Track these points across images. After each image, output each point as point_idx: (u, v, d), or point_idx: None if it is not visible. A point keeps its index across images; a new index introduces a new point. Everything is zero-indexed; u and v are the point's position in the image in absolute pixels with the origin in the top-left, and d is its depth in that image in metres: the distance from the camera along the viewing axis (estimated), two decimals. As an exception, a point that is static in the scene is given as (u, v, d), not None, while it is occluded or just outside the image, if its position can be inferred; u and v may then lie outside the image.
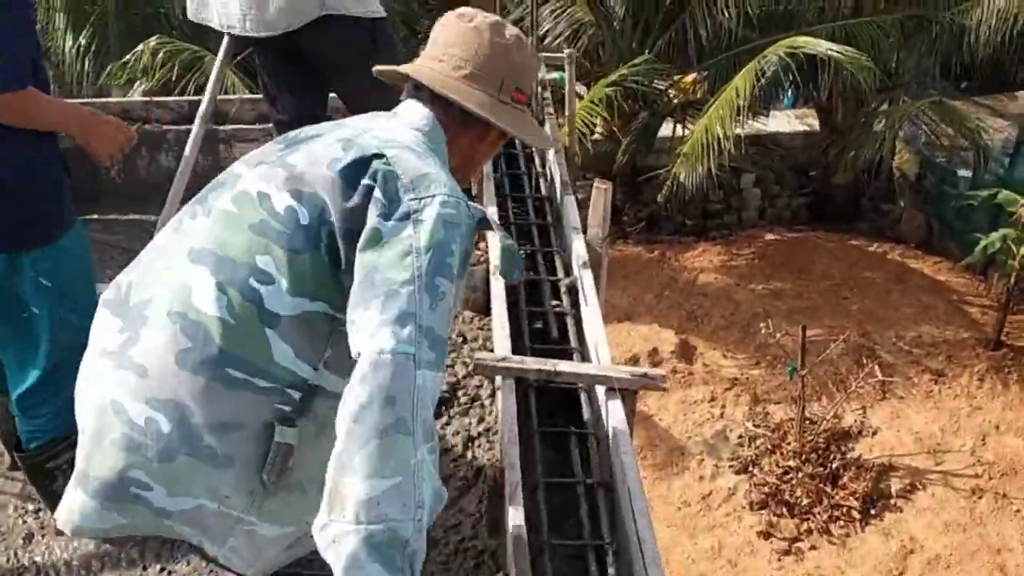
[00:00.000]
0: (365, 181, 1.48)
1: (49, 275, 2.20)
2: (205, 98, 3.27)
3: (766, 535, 7.21)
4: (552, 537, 2.15)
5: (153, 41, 8.21)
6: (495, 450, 2.74)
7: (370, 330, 1.36)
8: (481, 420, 2.87)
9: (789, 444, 7.76)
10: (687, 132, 9.94)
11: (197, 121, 3.21)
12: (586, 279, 2.89)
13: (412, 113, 1.68)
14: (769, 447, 7.85)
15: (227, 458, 1.48)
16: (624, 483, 2.18)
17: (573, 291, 2.92)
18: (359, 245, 1.44)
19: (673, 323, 9.20)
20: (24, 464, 2.41)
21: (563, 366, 2.46)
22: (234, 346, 1.46)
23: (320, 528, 1.32)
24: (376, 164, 1.50)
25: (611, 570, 2.08)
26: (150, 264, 1.60)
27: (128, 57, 8.36)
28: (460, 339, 3.21)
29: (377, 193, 1.46)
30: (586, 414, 2.55)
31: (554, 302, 2.97)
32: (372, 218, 1.45)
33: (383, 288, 1.39)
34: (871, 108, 10.36)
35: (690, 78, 10.85)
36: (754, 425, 8.12)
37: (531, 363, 2.44)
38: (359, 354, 1.36)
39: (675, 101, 10.67)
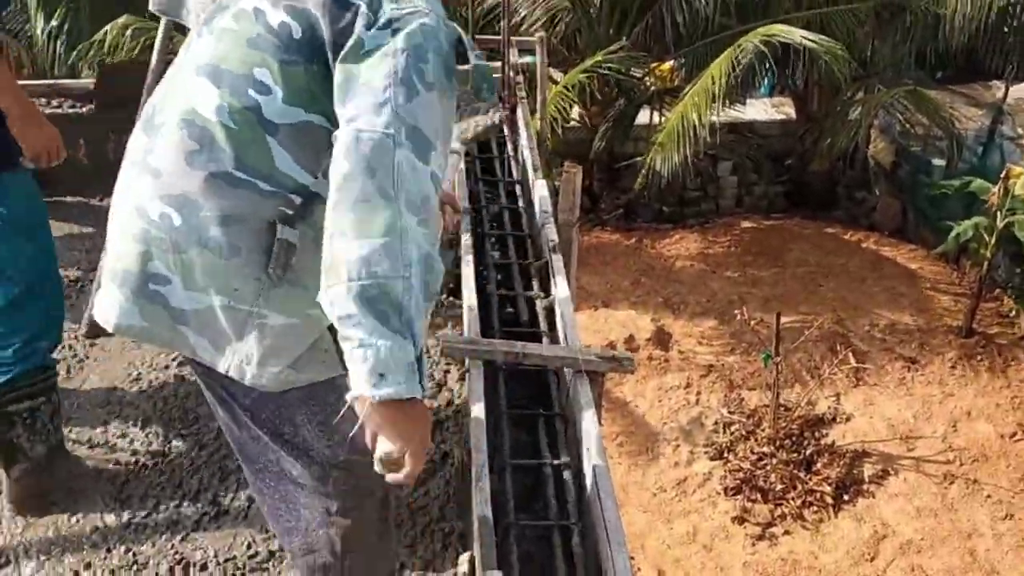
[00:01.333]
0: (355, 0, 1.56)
1: (3, 201, 2.26)
2: (149, 76, 3.33)
3: (740, 520, 7.26)
4: (519, 518, 2.15)
5: (122, 19, 8.15)
6: (463, 433, 2.73)
7: (349, 116, 1.47)
8: (449, 403, 2.86)
9: (763, 430, 7.81)
10: (664, 119, 9.94)
11: (144, 95, 3.19)
12: (556, 263, 2.88)
13: None
14: (744, 433, 7.89)
15: (233, 248, 1.60)
16: (591, 464, 2.19)
17: (544, 275, 2.92)
18: (341, 55, 1.52)
19: (650, 310, 9.22)
20: None
21: (531, 348, 2.46)
22: (238, 150, 1.59)
23: (323, 299, 1.42)
24: None
25: (577, 550, 2.09)
26: (168, 83, 1.73)
27: (98, 36, 8.28)
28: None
29: (363, 8, 1.54)
30: (555, 397, 2.55)
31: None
32: (357, 29, 1.53)
33: (361, 86, 1.48)
34: (847, 96, 10.40)
35: (667, 65, 10.85)
36: (729, 411, 8.16)
37: (499, 345, 2.44)
38: (342, 135, 1.46)
39: (652, 88, 10.67)
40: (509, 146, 3.72)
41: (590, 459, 2.19)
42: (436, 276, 1.46)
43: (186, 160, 1.61)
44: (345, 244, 1.40)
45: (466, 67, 1.63)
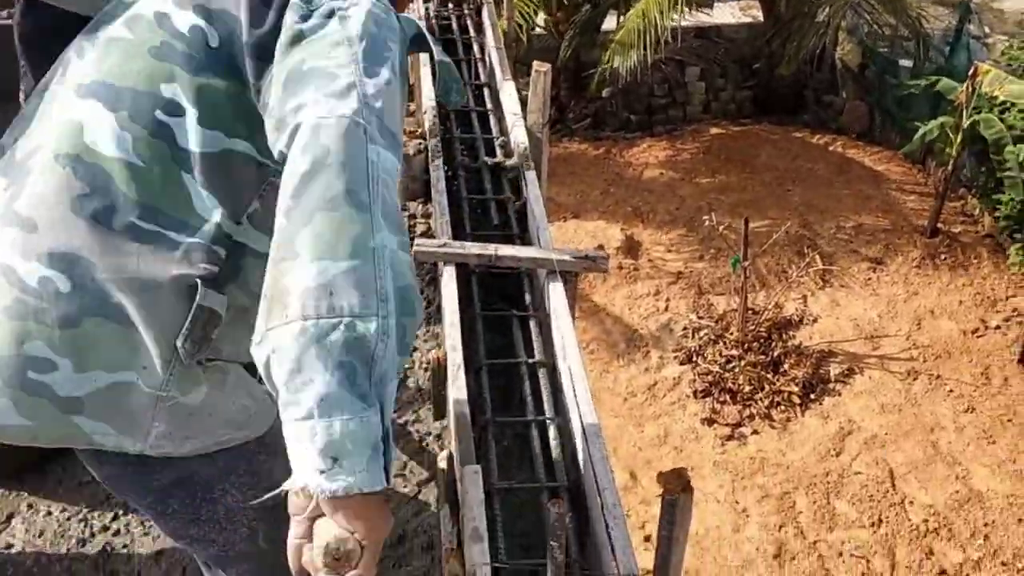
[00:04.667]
0: None
1: None
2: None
3: (710, 422, 7.42)
4: (495, 416, 2.17)
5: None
6: (438, 339, 2.74)
7: (300, 104, 1.13)
8: (427, 306, 2.86)
9: (732, 334, 7.92)
10: (625, 19, 9.78)
11: None
12: (526, 165, 2.85)
13: None
14: (712, 337, 8.01)
15: (142, 319, 1.25)
16: (565, 361, 2.20)
17: (514, 178, 2.89)
18: (277, 54, 1.20)
19: (619, 219, 9.23)
20: None
21: (504, 250, 2.45)
22: (143, 193, 1.25)
23: (257, 344, 1.04)
24: None
25: (553, 443, 2.12)
26: (34, 114, 1.35)
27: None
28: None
29: (294, 1, 1.22)
30: (528, 298, 2.55)
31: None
32: (289, 25, 1.20)
33: (315, 74, 1.15)
34: (815, -3, 10.28)
35: (633, -32, 10.62)
36: (698, 317, 8.26)
37: (472, 248, 2.43)
38: (294, 128, 1.11)
39: (618, -8, 10.46)
40: (476, 48, 3.64)
41: (565, 356, 2.20)
42: (416, 320, 1.09)
43: (71, 207, 1.25)
44: (298, 268, 1.02)
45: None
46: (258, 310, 1.06)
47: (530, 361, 2.34)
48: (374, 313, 1.02)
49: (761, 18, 11.35)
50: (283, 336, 1.01)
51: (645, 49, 8.53)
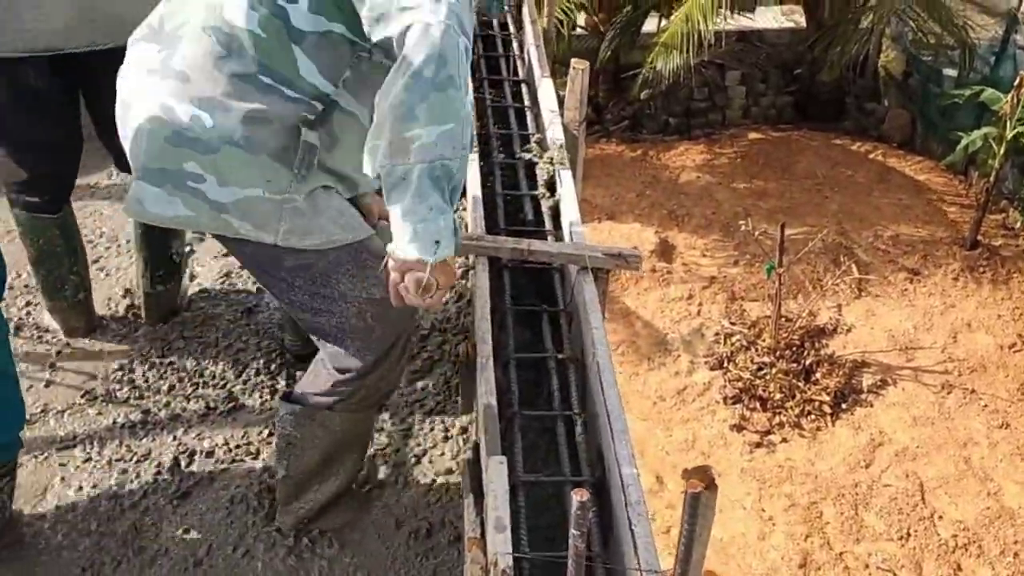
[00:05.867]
0: None
1: None
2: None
3: (739, 428, 7.37)
4: (522, 409, 2.18)
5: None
6: (467, 333, 2.74)
7: (408, 8, 1.56)
8: (457, 299, 2.88)
9: (764, 341, 7.86)
10: (669, 23, 9.74)
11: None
12: (562, 162, 2.86)
13: None
14: (744, 344, 7.95)
15: (260, 146, 1.75)
16: (594, 358, 2.20)
17: (549, 176, 2.89)
18: None
19: (654, 222, 9.19)
20: None
21: (537, 245, 2.45)
22: (264, 57, 1.72)
23: (387, 172, 1.58)
24: None
25: (579, 439, 2.12)
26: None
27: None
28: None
29: None
30: (559, 295, 2.56)
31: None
32: None
33: None
34: (859, 4, 10.16)
35: (677, -29, 10.57)
36: (730, 322, 8.20)
37: (505, 242, 2.43)
38: (405, 28, 1.56)
39: (660, -6, 10.42)
40: (515, 44, 3.65)
41: (594, 352, 2.20)
42: (469, 152, 1.69)
43: (215, 65, 1.72)
44: (417, 128, 1.55)
45: None
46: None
47: (559, 356, 2.34)
48: (460, 156, 1.59)
49: (803, 24, 11.25)
50: (406, 170, 1.56)
51: (687, 52, 8.48)
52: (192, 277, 2.99)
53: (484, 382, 2.09)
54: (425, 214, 1.60)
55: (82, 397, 2.52)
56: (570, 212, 2.66)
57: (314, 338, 2.06)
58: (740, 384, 7.64)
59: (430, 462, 2.39)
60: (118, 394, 2.54)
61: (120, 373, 2.61)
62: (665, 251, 8.85)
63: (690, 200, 9.55)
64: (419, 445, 2.43)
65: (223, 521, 2.24)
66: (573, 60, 2.97)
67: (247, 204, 1.80)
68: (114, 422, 2.46)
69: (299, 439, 2.09)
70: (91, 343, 2.75)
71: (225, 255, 3.06)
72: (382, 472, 2.37)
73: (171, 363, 2.65)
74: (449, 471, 2.37)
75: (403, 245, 1.64)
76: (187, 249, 2.84)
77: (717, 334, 8.12)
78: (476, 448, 2.08)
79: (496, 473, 1.84)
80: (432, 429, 2.47)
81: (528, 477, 2.00)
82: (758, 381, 7.61)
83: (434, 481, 2.35)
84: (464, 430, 2.44)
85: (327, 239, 1.88)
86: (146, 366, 2.63)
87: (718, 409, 7.54)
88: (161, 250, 2.69)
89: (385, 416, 2.50)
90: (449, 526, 2.25)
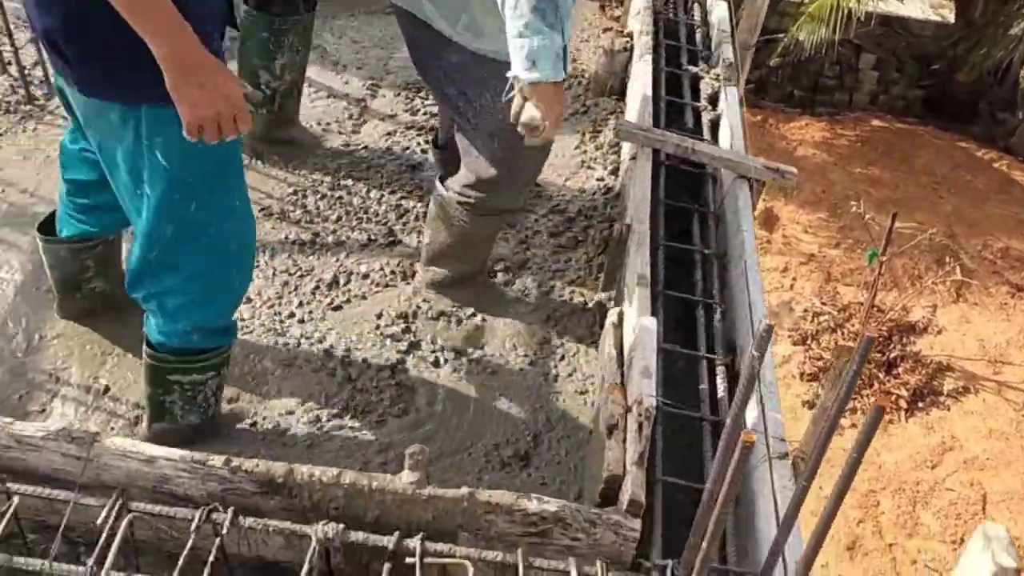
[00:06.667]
0: None
1: (165, 151, 1.72)
2: None
3: (811, 405, 7.38)
4: (667, 289, 2.30)
5: None
6: (606, 218, 2.86)
7: None
8: (606, 192, 3.00)
9: (852, 326, 7.82)
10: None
11: None
12: (728, 79, 2.93)
13: None
14: (832, 325, 7.92)
15: None
16: (741, 258, 2.31)
17: (714, 90, 2.96)
18: None
19: (760, 189, 9.13)
20: (145, 362, 2.03)
21: (701, 146, 2.55)
22: None
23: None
24: None
25: (717, 325, 2.23)
26: None
27: None
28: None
29: None
30: (709, 197, 2.66)
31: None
32: None
33: None
34: (1015, 8, 9.81)
35: (829, -59, 10.32)
36: (821, 302, 8.16)
37: (671, 137, 2.53)
38: None
39: (814, -38, 10.19)
40: (689, -35, 3.71)
41: (742, 252, 2.31)
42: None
43: None
44: None
45: None
46: None
47: (706, 251, 2.45)
48: None
49: (952, 19, 10.90)
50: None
51: (832, 27, 8.32)
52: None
53: (640, 254, 2.21)
54: (521, 30, 1.80)
55: (259, 212, 2.72)
56: (733, 127, 2.74)
57: (458, 140, 2.34)
58: (820, 363, 7.63)
59: (564, 328, 2.54)
60: (291, 215, 2.73)
61: (294, 197, 2.80)
62: (768, 220, 8.81)
63: (802, 175, 9.41)
64: (556, 311, 2.58)
65: (371, 332, 2.44)
66: (755, -16, 3.03)
67: None
68: (285, 238, 2.65)
69: (443, 218, 2.41)
70: (266, 167, 2.94)
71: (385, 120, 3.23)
72: (523, 332, 2.52)
73: (339, 197, 2.83)
74: (579, 339, 2.51)
75: (518, 68, 1.85)
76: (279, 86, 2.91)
77: (806, 310, 8.10)
78: (620, 314, 2.20)
79: (646, 334, 1.97)
80: (572, 299, 2.61)
81: (666, 345, 2.13)
82: (839, 364, 7.59)
83: (563, 344, 2.49)
84: (601, 304, 2.57)
85: (490, 48, 2.10)
86: (317, 196, 2.82)
87: (794, 384, 7.55)
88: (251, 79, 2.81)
89: (528, 280, 2.65)
90: (575, 373, 2.41)
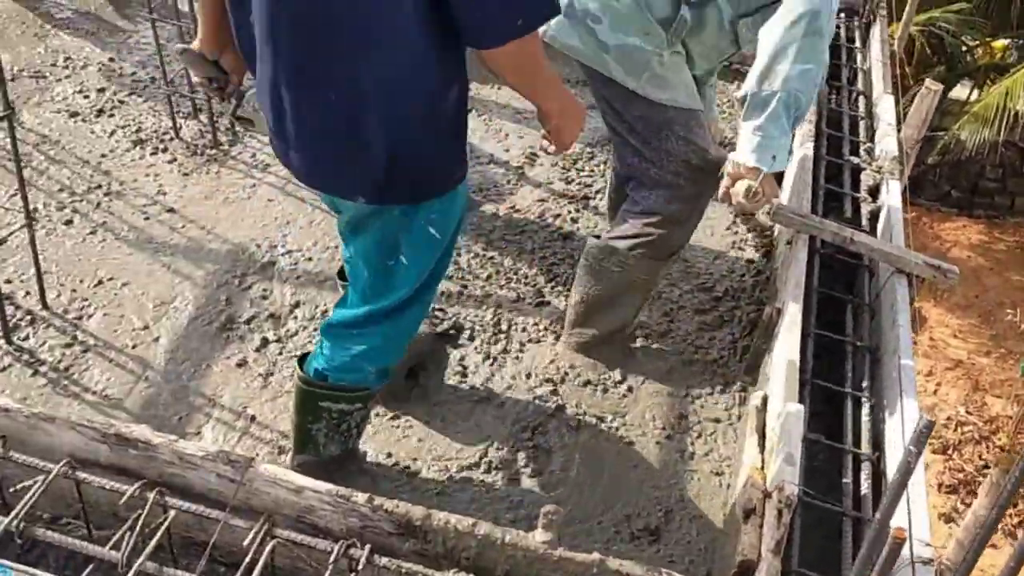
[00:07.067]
0: None
1: (440, 226, 1.89)
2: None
3: (948, 519, 7.00)
4: (814, 378, 2.25)
5: None
6: (754, 301, 2.84)
7: None
8: (756, 274, 2.98)
9: (999, 440, 7.40)
10: (983, 94, 9.25)
11: None
12: (892, 172, 2.88)
13: None
14: (977, 437, 7.53)
15: (652, 7, 2.27)
16: (895, 352, 2.24)
17: (876, 181, 2.92)
18: None
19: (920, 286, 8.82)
20: (298, 388, 2.09)
21: (860, 237, 2.51)
22: None
23: (753, 93, 2.16)
24: None
25: (865, 419, 2.17)
26: None
27: None
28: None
29: None
30: (865, 289, 2.60)
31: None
32: None
33: None
34: None
35: (1001, 43, 10.03)
36: (967, 411, 7.77)
37: (830, 225, 2.50)
38: None
39: (979, 63, 9.92)
40: (858, 57, 3.68)
41: (895, 348, 2.24)
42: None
43: None
44: (787, 64, 2.11)
45: None
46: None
47: (858, 343, 2.40)
48: (811, 92, 2.17)
49: None
50: (770, 94, 2.15)
51: (1000, 128, 8.05)
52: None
53: (789, 340, 2.19)
54: (772, 131, 2.14)
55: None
56: (893, 221, 2.69)
57: (629, 188, 2.52)
58: (961, 475, 7.25)
59: (701, 406, 2.52)
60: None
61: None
62: (915, 320, 8.48)
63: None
64: (696, 388, 2.56)
65: (518, 389, 2.52)
66: (928, 81, 2.98)
67: (626, 51, 2.29)
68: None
69: (597, 271, 2.50)
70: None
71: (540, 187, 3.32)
72: (663, 404, 2.52)
73: (491, 257, 2.91)
74: (716, 420, 2.48)
75: (746, 154, 2.18)
76: None
77: (949, 418, 7.72)
78: (764, 398, 2.18)
79: (794, 417, 1.94)
80: (713, 378, 2.59)
81: (812, 435, 2.09)
82: (981, 478, 7.17)
83: (700, 422, 2.47)
84: (743, 388, 2.54)
85: (674, 97, 2.34)
86: (470, 255, 2.91)
87: (930, 493, 7.17)
88: None
89: (669, 352, 2.66)
90: (712, 453, 2.38)
